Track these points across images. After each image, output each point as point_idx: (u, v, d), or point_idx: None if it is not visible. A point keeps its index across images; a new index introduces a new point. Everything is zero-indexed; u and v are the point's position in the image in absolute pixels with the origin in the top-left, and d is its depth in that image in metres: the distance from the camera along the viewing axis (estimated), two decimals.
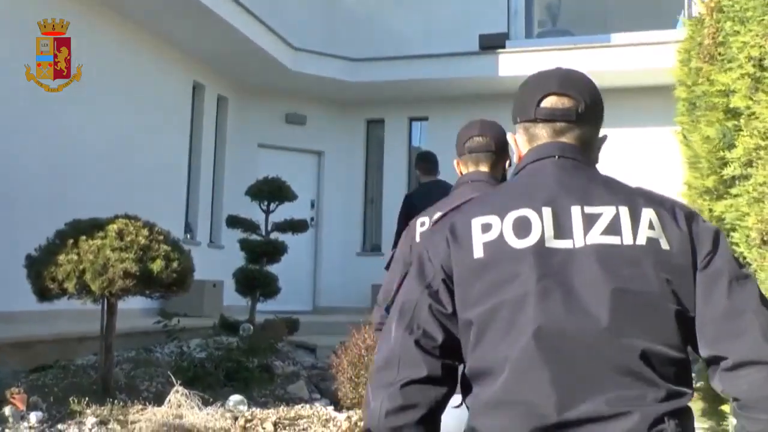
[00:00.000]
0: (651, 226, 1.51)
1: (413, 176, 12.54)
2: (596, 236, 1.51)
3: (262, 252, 7.54)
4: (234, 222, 7.88)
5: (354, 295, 11.92)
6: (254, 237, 7.93)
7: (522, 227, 1.53)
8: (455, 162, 3.04)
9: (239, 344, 6.72)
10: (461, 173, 3.02)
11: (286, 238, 7.97)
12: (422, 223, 2.90)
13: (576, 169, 1.62)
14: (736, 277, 1.49)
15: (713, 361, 1.47)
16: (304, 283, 12.00)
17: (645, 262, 1.48)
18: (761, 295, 1.49)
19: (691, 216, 1.56)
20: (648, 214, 1.53)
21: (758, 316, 1.45)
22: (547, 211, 1.54)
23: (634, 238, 1.50)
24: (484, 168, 2.89)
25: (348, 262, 12.36)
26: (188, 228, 10.33)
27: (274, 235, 7.87)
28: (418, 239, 2.79)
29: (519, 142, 1.73)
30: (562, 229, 1.52)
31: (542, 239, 1.51)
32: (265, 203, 7.88)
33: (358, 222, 12.63)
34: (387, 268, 2.85)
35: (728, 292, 1.47)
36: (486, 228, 1.55)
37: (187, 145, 10.42)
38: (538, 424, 1.40)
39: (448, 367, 1.53)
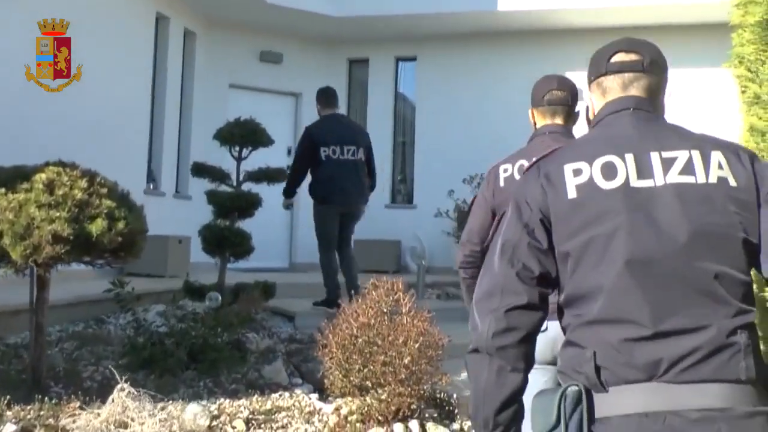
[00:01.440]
0: (720, 167, 1.73)
1: (400, 122, 11.32)
2: (674, 176, 1.73)
3: (233, 206, 6.32)
4: (200, 170, 6.65)
5: None
6: (224, 188, 6.70)
7: (609, 171, 1.75)
8: (530, 112, 3.23)
9: (205, 316, 5.55)
10: (536, 124, 3.23)
11: (261, 189, 6.89)
12: (505, 170, 3.08)
13: (648, 120, 1.86)
14: None
15: None
16: (280, 238, 10.82)
17: (716, 198, 1.71)
18: None
19: (753, 157, 1.79)
20: (716, 156, 1.75)
21: None
22: (629, 157, 1.76)
23: (707, 177, 1.72)
24: (559, 120, 3.15)
25: None
26: (151, 177, 9.07)
27: (247, 186, 6.64)
28: (502, 184, 3.05)
29: (593, 98, 1.97)
30: (643, 171, 1.74)
31: (627, 180, 1.74)
32: (237, 149, 6.64)
33: None
34: (469, 210, 3.00)
35: None
36: (577, 173, 1.77)
37: (150, 85, 9.12)
38: (636, 335, 1.64)
39: (542, 295, 1.79)
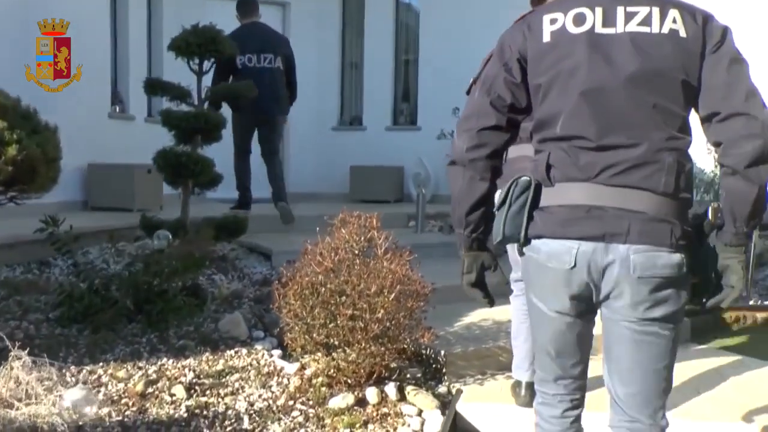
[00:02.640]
0: (674, 21, 2.06)
1: (402, 35, 10.37)
2: (633, 26, 2.07)
3: (190, 127, 5.48)
4: (154, 87, 5.80)
5: (329, 178, 10.01)
6: (184, 108, 5.86)
7: (579, 19, 2.10)
8: None
9: (153, 258, 4.79)
10: None
11: None
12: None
13: None
14: (736, 59, 2.06)
15: (708, 118, 2.07)
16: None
17: (665, 45, 2.05)
18: (749, 74, 2.06)
19: (707, 17, 2.09)
20: (673, 13, 2.07)
21: (746, 85, 2.04)
22: (598, 10, 2.10)
23: (660, 29, 2.06)
24: None
25: (322, 138, 10.35)
26: (117, 99, 8.23)
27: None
28: None
29: None
30: (608, 21, 2.08)
31: (593, 27, 2.09)
32: (196, 61, 5.77)
33: (335, 90, 10.51)
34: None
35: (728, 69, 2.04)
36: (553, 21, 2.13)
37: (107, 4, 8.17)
38: (582, 146, 2.07)
39: (510, 120, 2.20)
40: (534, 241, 2.14)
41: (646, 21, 2.05)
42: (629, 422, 2.17)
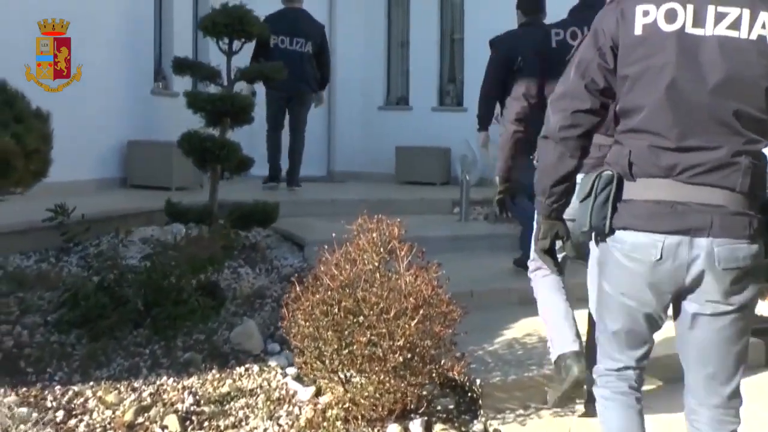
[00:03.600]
0: (763, 26, 1.97)
1: (447, 11, 9.44)
2: (722, 29, 1.98)
3: (215, 109, 4.76)
4: (182, 66, 5.09)
5: (375, 158, 9.18)
6: (214, 89, 5.15)
7: (670, 16, 2.01)
8: None
9: (161, 253, 4.10)
10: None
11: None
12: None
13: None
14: None
15: None
16: (318, 143, 9.23)
17: (751, 52, 1.97)
18: None
19: None
20: (763, 17, 1.97)
21: None
22: (690, 7, 2.00)
23: (749, 34, 1.97)
24: None
25: (368, 118, 9.53)
26: (160, 75, 7.55)
27: (240, 87, 5.08)
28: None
29: None
30: (698, 20, 1.99)
31: (683, 26, 2.00)
32: (226, 41, 5.02)
33: (381, 70, 9.66)
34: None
35: None
36: (645, 13, 2.04)
37: None
38: (663, 145, 2.02)
39: (603, 104, 2.14)
40: (618, 232, 2.09)
41: (735, 24, 1.99)
42: (709, 405, 2.14)
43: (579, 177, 2.21)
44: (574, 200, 2.21)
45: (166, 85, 7.56)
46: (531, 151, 2.79)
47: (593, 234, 2.15)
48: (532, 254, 3.25)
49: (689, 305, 2.07)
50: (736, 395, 2.15)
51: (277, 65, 5.17)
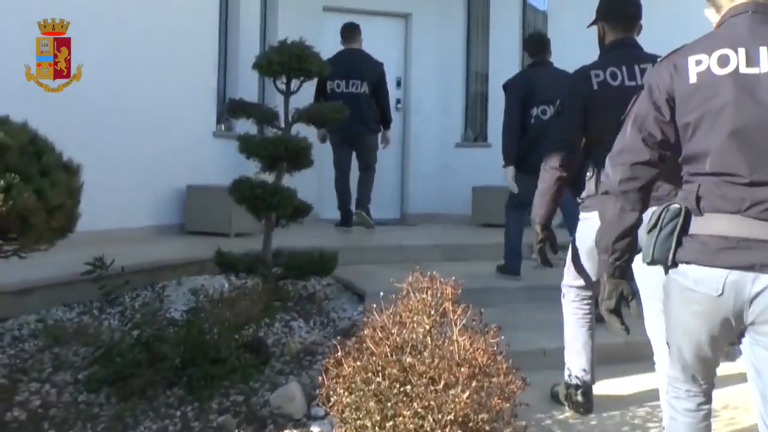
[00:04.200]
0: None
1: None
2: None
3: (268, 154, 4.60)
4: (236, 109, 4.95)
5: (450, 198, 8.87)
6: (272, 130, 5.01)
7: (723, 61, 2.11)
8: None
9: (220, 305, 3.90)
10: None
11: None
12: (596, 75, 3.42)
13: (764, 22, 2.15)
14: None
15: None
16: (391, 184, 9.02)
17: None
18: None
19: None
20: None
21: None
22: (741, 50, 2.11)
23: None
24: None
25: (444, 156, 9.24)
26: (222, 117, 7.51)
27: (298, 129, 4.91)
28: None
29: (709, 13, 2.35)
30: (752, 61, 2.09)
31: (737, 68, 2.10)
32: (284, 81, 4.87)
33: (458, 104, 9.38)
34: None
35: None
36: (698, 63, 2.15)
37: (217, 11, 7.45)
38: (735, 181, 2.07)
39: (661, 156, 2.24)
40: (682, 266, 2.16)
41: None
42: None
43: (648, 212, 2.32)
44: (642, 232, 2.29)
45: (229, 126, 7.51)
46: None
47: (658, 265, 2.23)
48: (566, 278, 3.67)
49: (755, 340, 2.12)
50: None
51: (338, 105, 4.96)
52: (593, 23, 3.61)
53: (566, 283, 3.64)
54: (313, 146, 4.89)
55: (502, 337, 2.79)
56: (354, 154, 7.56)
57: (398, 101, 8.98)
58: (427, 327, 2.80)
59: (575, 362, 3.60)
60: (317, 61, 4.73)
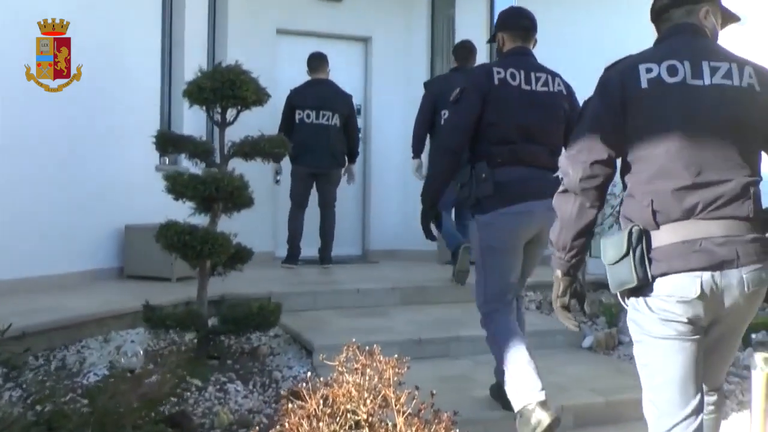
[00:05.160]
0: (750, 77, 2.34)
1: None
2: (718, 79, 2.32)
3: (196, 194, 4.11)
4: (165, 142, 4.45)
5: (416, 233, 8.26)
6: (205, 167, 4.51)
7: (672, 71, 2.32)
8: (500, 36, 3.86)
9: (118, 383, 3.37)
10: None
11: None
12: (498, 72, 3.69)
13: (704, 39, 2.44)
14: None
15: None
16: (352, 219, 8.54)
17: (745, 97, 2.32)
18: None
19: None
20: (748, 69, 2.35)
21: None
22: (686, 63, 2.33)
23: (740, 82, 2.32)
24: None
25: (411, 188, 8.74)
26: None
27: (236, 163, 4.42)
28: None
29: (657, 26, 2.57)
30: (696, 73, 2.32)
31: (684, 78, 2.31)
32: (218, 110, 4.39)
33: None
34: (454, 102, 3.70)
35: None
36: (648, 70, 2.33)
37: (158, 34, 6.97)
38: (681, 185, 2.24)
39: (615, 156, 2.37)
40: (659, 279, 2.26)
41: (729, 75, 2.32)
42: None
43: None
44: (609, 264, 2.35)
45: (174, 159, 6.99)
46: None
47: (623, 290, 2.35)
48: (484, 297, 3.69)
49: (720, 330, 2.37)
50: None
51: (277, 139, 4.47)
52: (493, 36, 3.94)
53: (489, 300, 3.66)
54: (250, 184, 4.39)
55: (457, 417, 2.31)
56: (314, 189, 7.32)
57: (359, 130, 8.51)
58: (365, 417, 2.31)
59: (524, 387, 3.42)
60: (253, 87, 4.26)
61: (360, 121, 8.58)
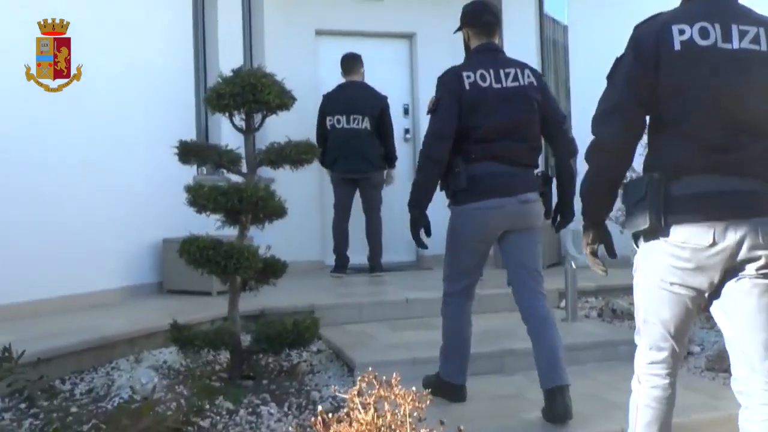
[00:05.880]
0: None
1: (548, 55, 8.42)
2: (746, 43, 2.37)
3: (219, 207, 3.91)
4: (188, 152, 4.25)
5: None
6: (231, 176, 4.33)
7: (704, 34, 2.37)
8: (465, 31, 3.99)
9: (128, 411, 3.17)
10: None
11: None
12: (468, 76, 3.77)
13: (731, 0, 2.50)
14: None
15: None
16: (404, 223, 8.16)
17: None
18: None
19: None
20: None
21: None
22: (717, 26, 2.38)
23: (767, 47, 2.38)
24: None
25: None
26: None
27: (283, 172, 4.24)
28: (467, 87, 3.77)
29: None
30: (726, 36, 2.37)
31: (716, 42, 2.36)
32: (242, 116, 4.19)
33: None
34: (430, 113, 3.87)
35: None
36: (681, 32, 2.38)
37: (190, 40, 6.84)
38: (708, 143, 2.36)
39: (647, 112, 2.48)
40: (675, 227, 2.36)
41: (757, 40, 2.38)
42: (763, 371, 2.39)
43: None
44: (628, 204, 2.50)
45: (211, 170, 6.83)
46: None
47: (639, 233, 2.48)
48: (445, 275, 4.08)
49: (736, 281, 2.40)
50: None
51: (304, 145, 4.22)
52: (458, 30, 4.00)
53: (451, 288, 4.02)
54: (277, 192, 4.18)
55: None
56: (357, 194, 7.20)
57: (407, 131, 8.27)
58: None
59: (454, 364, 3.96)
60: (277, 90, 4.03)
61: (407, 121, 8.33)
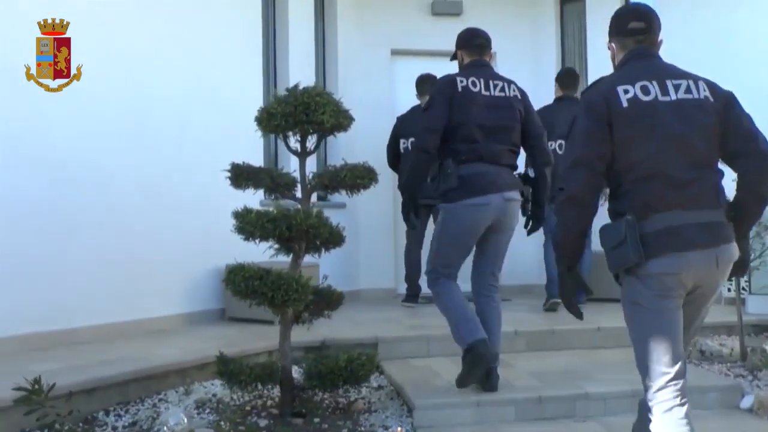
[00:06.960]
0: (704, 89, 2.75)
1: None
2: (682, 94, 2.73)
3: (266, 234, 3.74)
4: (240, 176, 4.11)
5: (521, 267, 7.69)
6: (285, 201, 4.18)
7: (645, 90, 2.72)
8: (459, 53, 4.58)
9: None
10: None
11: None
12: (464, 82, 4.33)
13: (660, 60, 2.88)
14: (745, 114, 2.80)
15: (732, 156, 2.74)
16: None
17: (705, 107, 2.72)
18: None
19: (718, 87, 2.81)
20: (702, 84, 2.77)
21: (756, 130, 2.77)
22: (654, 83, 2.73)
23: (699, 95, 2.73)
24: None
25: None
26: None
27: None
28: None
29: (616, 48, 2.96)
30: (664, 91, 2.73)
31: (656, 96, 2.71)
32: (297, 138, 4.03)
33: None
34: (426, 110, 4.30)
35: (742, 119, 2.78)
36: (626, 91, 2.72)
37: (259, 58, 6.78)
38: (663, 184, 2.62)
39: (606, 167, 2.73)
40: (652, 260, 2.62)
41: (689, 90, 2.75)
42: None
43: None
44: (606, 249, 2.75)
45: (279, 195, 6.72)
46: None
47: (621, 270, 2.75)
48: (431, 265, 4.35)
49: (693, 299, 2.74)
50: None
51: (360, 168, 4.02)
52: (454, 55, 4.56)
53: (434, 268, 4.32)
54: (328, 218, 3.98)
55: None
56: (431, 220, 6.90)
57: None
58: None
59: (466, 328, 4.21)
60: (333, 110, 3.85)
61: None
